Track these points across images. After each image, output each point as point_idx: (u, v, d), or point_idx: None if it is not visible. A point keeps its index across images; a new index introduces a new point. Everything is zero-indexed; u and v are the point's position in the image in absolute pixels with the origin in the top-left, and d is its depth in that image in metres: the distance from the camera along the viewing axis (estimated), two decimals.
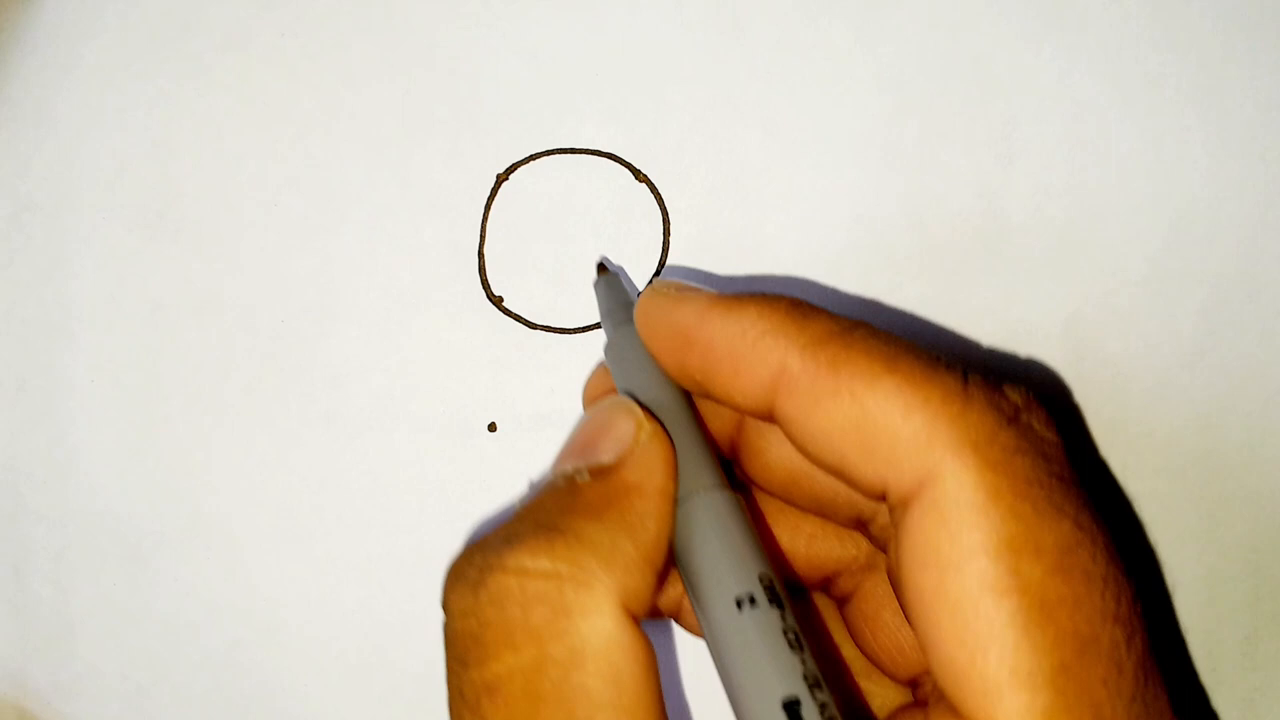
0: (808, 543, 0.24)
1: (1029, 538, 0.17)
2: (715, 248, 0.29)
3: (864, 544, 0.24)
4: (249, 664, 0.29)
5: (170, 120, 0.29)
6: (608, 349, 0.25)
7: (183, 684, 0.29)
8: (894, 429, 0.18)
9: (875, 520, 0.22)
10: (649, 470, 0.20)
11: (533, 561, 0.18)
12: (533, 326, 0.29)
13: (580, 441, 0.21)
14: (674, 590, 0.24)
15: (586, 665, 0.17)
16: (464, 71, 0.29)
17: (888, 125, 0.28)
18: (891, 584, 0.20)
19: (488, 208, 0.29)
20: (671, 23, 0.29)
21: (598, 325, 0.29)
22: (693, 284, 0.23)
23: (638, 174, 0.29)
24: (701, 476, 0.21)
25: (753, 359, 0.20)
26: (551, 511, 0.19)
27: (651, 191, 0.29)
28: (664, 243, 0.29)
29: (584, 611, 0.18)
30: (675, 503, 0.20)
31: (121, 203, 0.30)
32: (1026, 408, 0.18)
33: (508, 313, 0.29)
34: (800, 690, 0.18)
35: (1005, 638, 0.16)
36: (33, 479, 0.30)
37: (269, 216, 0.29)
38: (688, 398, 0.23)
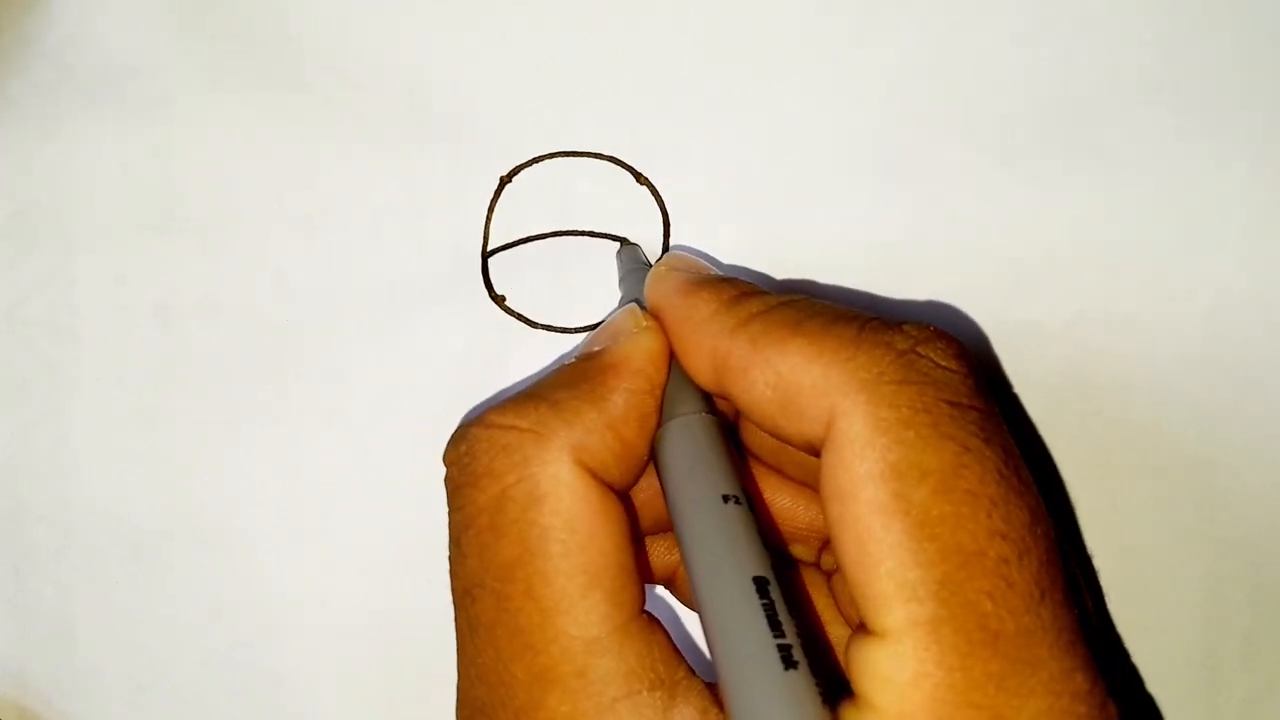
0: (794, 508, 0.25)
1: (914, 462, 0.18)
2: (716, 250, 0.29)
3: None
4: (250, 663, 0.29)
5: (174, 121, 0.30)
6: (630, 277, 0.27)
7: (183, 684, 0.29)
8: (799, 384, 0.19)
9: None
10: (627, 355, 0.22)
11: (502, 418, 0.20)
12: (534, 326, 0.29)
13: (590, 337, 0.24)
14: (671, 557, 0.25)
15: (542, 505, 0.20)
16: (467, 74, 0.29)
17: (889, 126, 0.29)
18: None
19: (491, 209, 0.29)
20: (673, 26, 0.29)
21: (598, 325, 0.29)
22: (696, 260, 0.24)
23: (639, 176, 0.29)
24: (705, 402, 0.22)
25: (696, 342, 0.21)
26: (536, 385, 0.22)
27: (652, 194, 0.29)
28: (664, 245, 0.29)
29: (542, 460, 0.20)
30: (658, 390, 0.22)
31: (125, 202, 0.30)
32: (923, 341, 0.19)
33: (510, 312, 0.29)
34: (770, 575, 0.19)
35: (893, 555, 0.17)
36: (34, 479, 0.30)
37: (272, 217, 0.29)
38: None
